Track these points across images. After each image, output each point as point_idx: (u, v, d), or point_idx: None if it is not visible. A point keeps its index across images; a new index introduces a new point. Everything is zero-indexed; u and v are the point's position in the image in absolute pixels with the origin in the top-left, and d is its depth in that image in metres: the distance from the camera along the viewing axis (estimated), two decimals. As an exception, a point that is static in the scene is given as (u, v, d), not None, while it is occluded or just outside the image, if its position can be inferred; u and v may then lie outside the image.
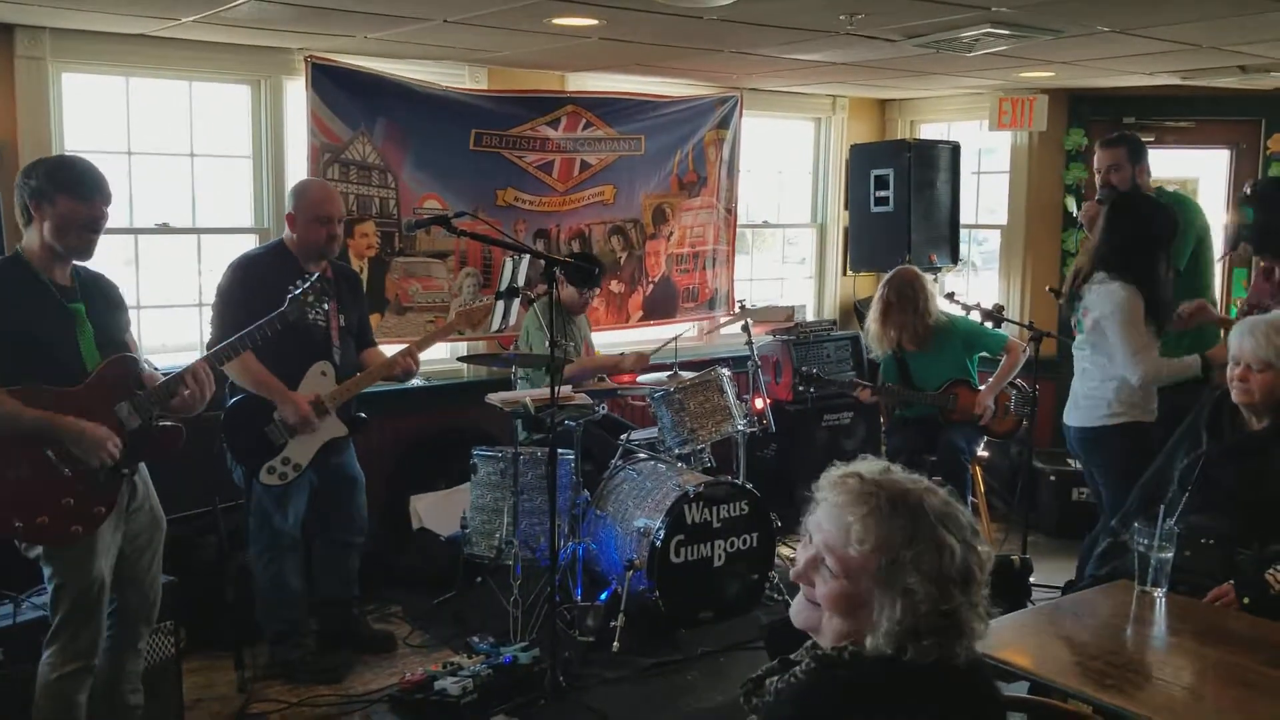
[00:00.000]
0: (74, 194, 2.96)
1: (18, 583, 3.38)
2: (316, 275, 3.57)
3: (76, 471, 2.96)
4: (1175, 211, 4.30)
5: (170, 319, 5.05)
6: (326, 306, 3.66)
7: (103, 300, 3.15)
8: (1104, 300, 4.06)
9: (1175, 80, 5.71)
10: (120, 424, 3.04)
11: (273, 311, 3.44)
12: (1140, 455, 3.90)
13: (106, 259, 3.17)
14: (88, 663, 3.06)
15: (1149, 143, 5.07)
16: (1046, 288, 5.24)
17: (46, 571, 3.03)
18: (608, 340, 6.18)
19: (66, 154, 3.11)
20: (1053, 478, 5.93)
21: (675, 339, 5.28)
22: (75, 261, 3.08)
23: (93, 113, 4.73)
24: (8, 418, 2.87)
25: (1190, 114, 6.35)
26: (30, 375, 2.92)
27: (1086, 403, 4.20)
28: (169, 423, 3.18)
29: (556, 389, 3.95)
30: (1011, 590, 4.31)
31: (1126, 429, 4.09)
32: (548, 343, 4.03)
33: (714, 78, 6.08)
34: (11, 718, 3.14)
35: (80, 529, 2.98)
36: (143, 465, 3.27)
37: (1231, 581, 2.85)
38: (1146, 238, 4.08)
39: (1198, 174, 6.57)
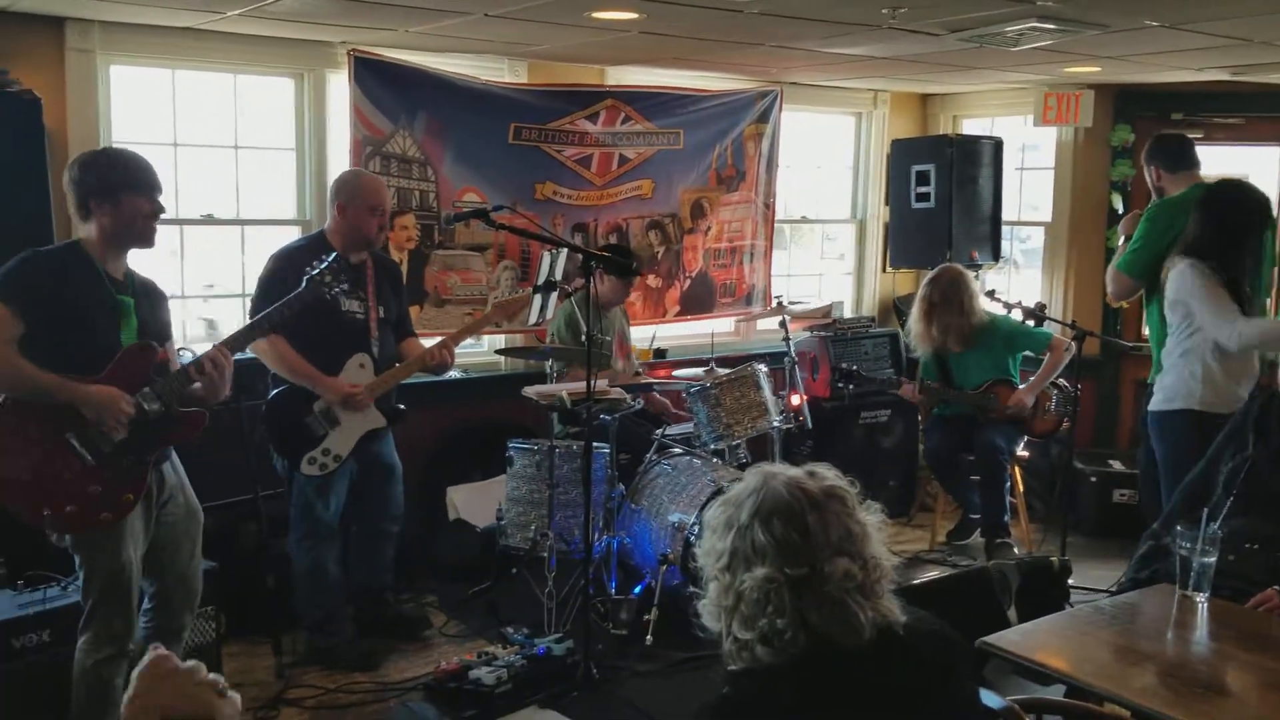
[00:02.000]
0: (136, 190, 3.05)
1: (64, 566, 3.44)
2: (334, 255, 3.54)
3: (102, 459, 3.01)
4: (1265, 201, 4.25)
5: (215, 309, 5.12)
6: (345, 286, 3.63)
7: (149, 299, 3.22)
8: (1175, 281, 4.08)
9: (1224, 76, 5.62)
10: (142, 410, 3.07)
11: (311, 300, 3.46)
12: (1191, 446, 3.86)
13: (152, 249, 3.25)
14: (122, 647, 3.11)
15: (1197, 139, 4.99)
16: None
17: (76, 559, 3.08)
18: (644, 335, 6.19)
19: (113, 148, 3.18)
20: (1093, 479, 5.85)
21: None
22: (139, 249, 3.16)
23: (140, 105, 4.80)
24: (29, 377, 2.91)
25: (1240, 110, 6.23)
26: (68, 357, 2.97)
27: (1158, 387, 4.23)
28: (191, 408, 3.21)
29: (592, 383, 3.95)
30: (1050, 592, 4.26)
31: (1189, 416, 4.06)
32: (583, 337, 4.03)
33: (754, 72, 6.06)
34: (57, 697, 3.19)
35: (109, 516, 3.02)
36: (175, 458, 3.31)
37: (1276, 588, 2.81)
38: (1226, 226, 4.09)
39: (1247, 171, 6.45)
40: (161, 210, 3.13)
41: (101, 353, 3.04)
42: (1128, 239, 4.69)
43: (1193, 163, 4.65)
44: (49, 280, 2.98)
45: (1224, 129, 6.28)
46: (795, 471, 1.64)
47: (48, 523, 3.00)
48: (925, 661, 1.57)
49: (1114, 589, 3.53)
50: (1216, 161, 6.09)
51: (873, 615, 1.54)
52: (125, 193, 3.04)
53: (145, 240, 3.13)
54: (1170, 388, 4.16)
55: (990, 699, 1.87)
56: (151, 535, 3.20)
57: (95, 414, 2.98)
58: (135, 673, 1.37)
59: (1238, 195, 4.19)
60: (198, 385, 3.17)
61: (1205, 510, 2.89)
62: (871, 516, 1.65)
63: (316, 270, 3.46)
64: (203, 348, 3.29)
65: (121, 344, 3.09)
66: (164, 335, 3.25)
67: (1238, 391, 4.05)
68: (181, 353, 3.35)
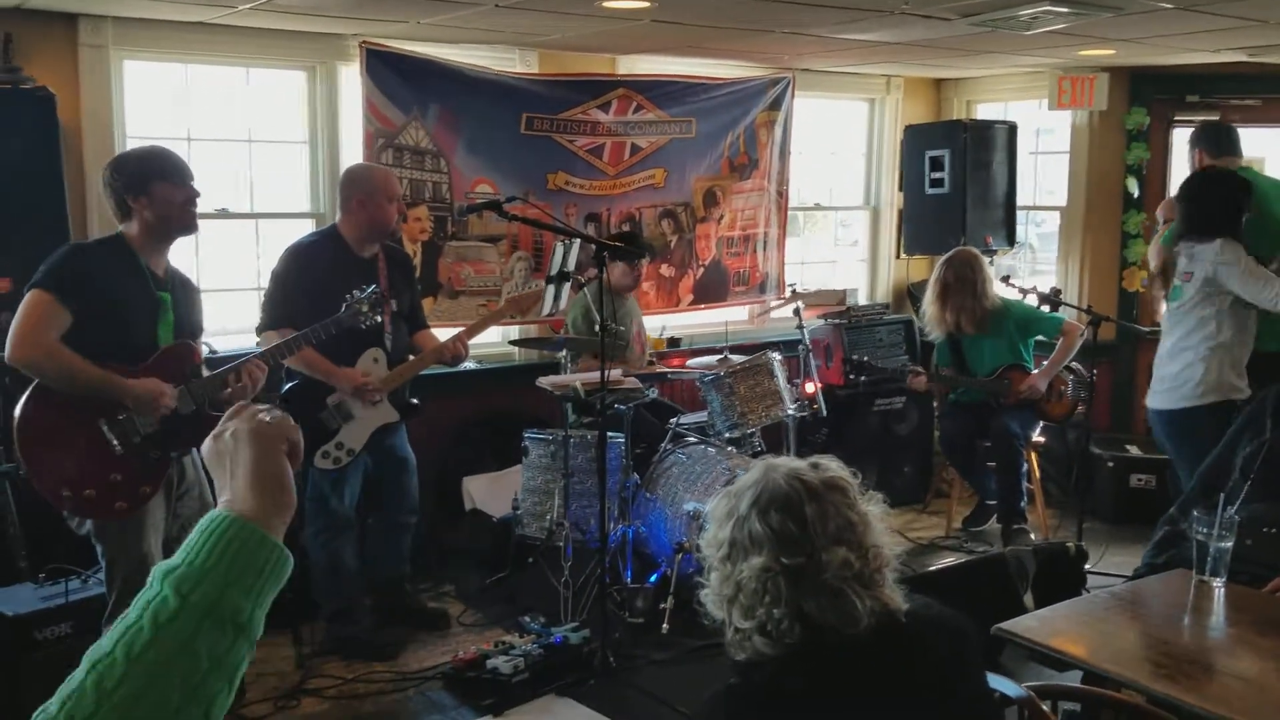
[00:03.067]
0: (165, 178, 3.13)
1: (84, 559, 3.48)
2: (374, 288, 3.67)
3: (129, 449, 3.06)
4: (1241, 184, 4.26)
5: (228, 303, 5.15)
6: (380, 318, 3.75)
7: (186, 296, 3.30)
8: (1209, 254, 4.08)
9: (1241, 57, 5.57)
10: (175, 408, 3.13)
11: (327, 298, 3.55)
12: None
13: (196, 234, 3.36)
14: None
15: (1213, 122, 4.99)
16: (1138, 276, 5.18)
17: (99, 549, 3.13)
18: (658, 324, 6.19)
19: (144, 144, 3.28)
20: (1110, 463, 5.83)
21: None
22: (183, 237, 3.25)
23: (153, 100, 4.82)
24: (78, 370, 2.98)
25: (1256, 91, 6.18)
26: (106, 347, 3.03)
27: (1175, 382, 4.16)
28: (219, 411, 3.25)
29: (606, 373, 3.96)
30: (1067, 577, 4.26)
31: (1216, 409, 4.03)
32: (597, 326, 4.04)
33: (766, 59, 6.04)
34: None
35: (124, 505, 3.07)
36: (195, 452, 3.35)
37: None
38: (1219, 211, 4.12)
39: (1264, 153, 6.39)
40: (196, 195, 3.20)
41: (139, 347, 3.11)
42: (1167, 223, 4.67)
43: (1236, 150, 4.74)
44: (95, 272, 3.06)
45: (1240, 110, 6.22)
46: (798, 463, 1.65)
47: (66, 504, 3.05)
48: (928, 649, 1.58)
49: (1132, 575, 3.52)
50: (1233, 144, 6.05)
51: (871, 604, 1.55)
52: (156, 183, 3.11)
53: (187, 227, 3.22)
54: (1204, 379, 4.10)
55: (1007, 686, 1.87)
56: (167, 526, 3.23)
57: (138, 407, 3.04)
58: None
59: (1218, 186, 4.24)
60: (229, 390, 3.23)
61: (1222, 495, 2.88)
62: (874, 507, 1.66)
63: (357, 299, 3.60)
64: (215, 341, 3.34)
65: (158, 339, 3.16)
66: (197, 331, 3.33)
67: (1243, 383, 4.08)
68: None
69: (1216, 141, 4.73)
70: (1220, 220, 4.12)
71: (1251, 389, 4.03)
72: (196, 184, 3.22)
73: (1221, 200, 4.17)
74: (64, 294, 2.99)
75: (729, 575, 1.61)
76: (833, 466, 1.67)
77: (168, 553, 3.19)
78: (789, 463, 1.66)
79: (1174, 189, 4.91)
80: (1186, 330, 4.18)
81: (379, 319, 3.76)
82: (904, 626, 1.59)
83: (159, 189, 3.11)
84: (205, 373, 3.25)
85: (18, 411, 3.01)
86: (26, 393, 3.02)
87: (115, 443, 3.04)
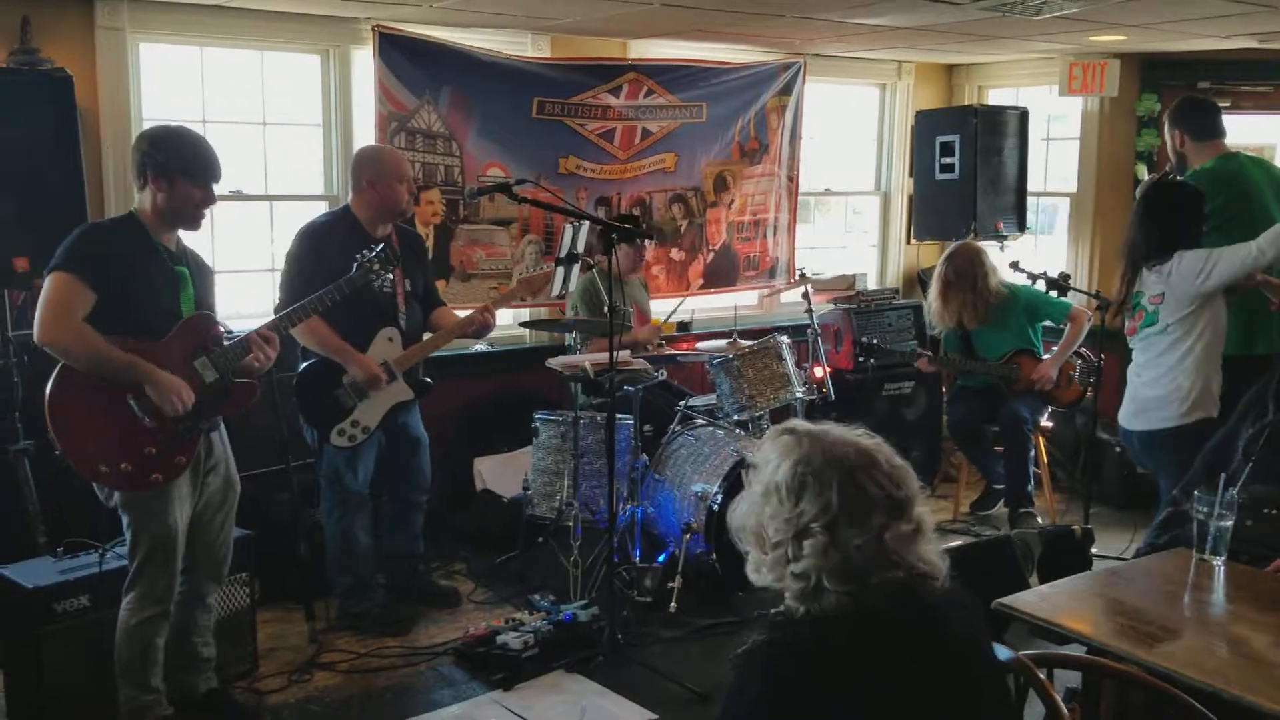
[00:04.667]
0: (193, 179, 3.18)
1: (101, 533, 3.54)
2: (382, 245, 3.71)
3: (158, 422, 3.11)
4: (1199, 194, 4.06)
5: (243, 284, 5.20)
6: (392, 275, 3.78)
7: (200, 272, 3.35)
8: (1180, 265, 3.88)
9: (1252, 43, 5.56)
10: (198, 377, 3.19)
11: (338, 278, 3.57)
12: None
13: (197, 233, 3.42)
14: (164, 608, 3.23)
15: (1224, 107, 4.94)
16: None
17: (125, 519, 3.19)
18: (668, 308, 6.22)
19: (188, 130, 3.30)
20: (1118, 449, 5.83)
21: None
22: (185, 231, 3.30)
23: (169, 82, 4.87)
24: (105, 354, 3.03)
25: (1268, 78, 6.15)
26: (130, 325, 3.09)
27: (1157, 404, 3.97)
28: (243, 379, 3.32)
29: (615, 354, 4.00)
30: (1072, 560, 4.29)
31: (1200, 426, 3.87)
32: (606, 309, 4.08)
33: (777, 44, 6.05)
34: (98, 661, 3.30)
35: (160, 477, 3.14)
36: (222, 428, 3.41)
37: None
38: (1181, 226, 3.95)
39: (1275, 140, 6.39)
40: (212, 200, 3.25)
41: (163, 319, 3.17)
42: None
43: (1219, 132, 4.56)
44: (112, 250, 3.11)
45: (1252, 97, 6.21)
46: (850, 433, 1.67)
47: (103, 478, 3.11)
48: (953, 619, 1.62)
49: (1132, 555, 3.55)
50: (1245, 130, 6.05)
51: (919, 570, 1.60)
52: (181, 177, 3.16)
53: (191, 224, 3.27)
54: (1188, 398, 3.91)
55: (1000, 651, 1.90)
56: (195, 500, 3.30)
57: (157, 396, 3.10)
58: None
59: (1177, 198, 4.05)
60: (252, 356, 3.28)
61: (1223, 476, 2.91)
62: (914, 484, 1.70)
63: (367, 258, 3.62)
64: (230, 323, 3.40)
65: (181, 311, 3.21)
66: (211, 307, 3.37)
67: (1216, 401, 3.94)
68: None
69: (1199, 124, 4.53)
70: (1177, 238, 3.92)
71: (1231, 391, 3.94)
72: (219, 187, 3.27)
73: (1178, 221, 3.96)
74: (85, 273, 3.03)
75: (830, 543, 1.59)
76: (876, 439, 1.70)
77: (192, 527, 3.27)
78: (840, 431, 1.68)
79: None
80: (1162, 351, 3.97)
81: (390, 277, 3.80)
82: (938, 598, 1.62)
83: (181, 184, 3.16)
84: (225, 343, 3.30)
85: (48, 392, 3.06)
86: (54, 373, 3.07)
87: (145, 417, 3.10)
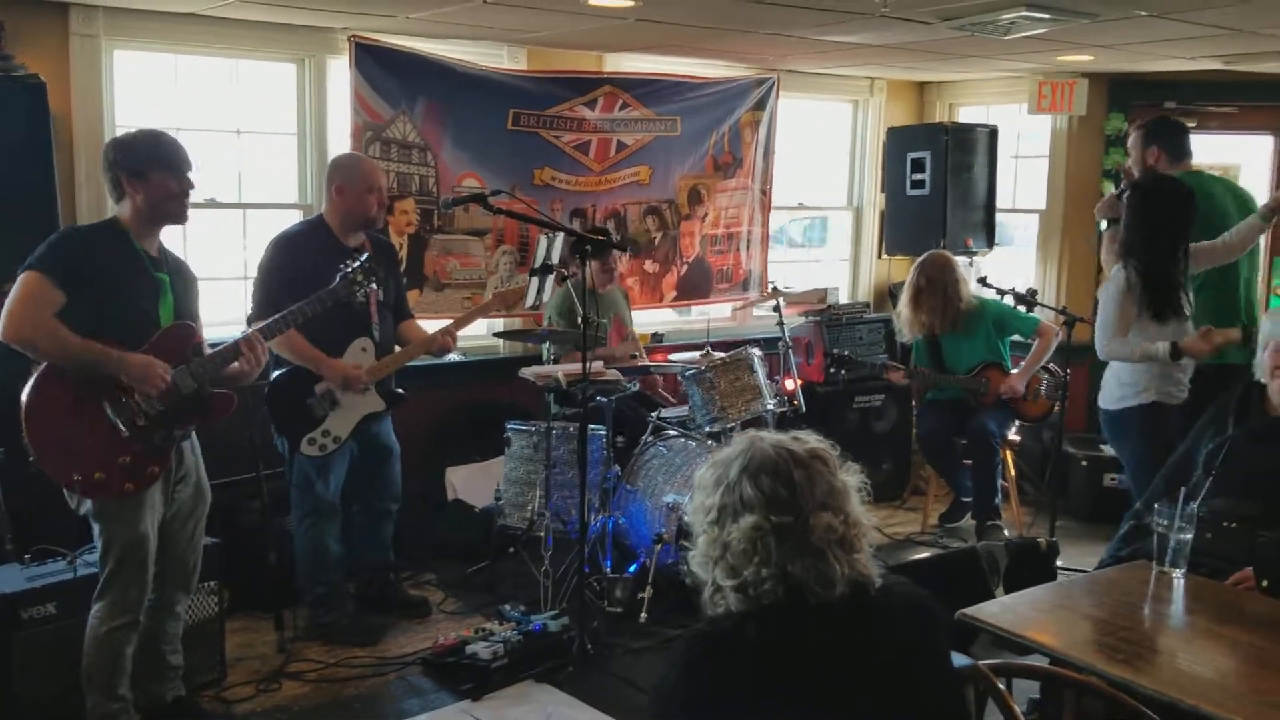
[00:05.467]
0: (166, 168, 3.17)
1: (70, 541, 3.52)
2: (366, 256, 3.72)
3: (134, 431, 3.10)
4: (1188, 195, 4.22)
5: (216, 292, 5.18)
6: (374, 285, 3.79)
7: (182, 278, 3.34)
8: (1103, 288, 4.23)
9: (1217, 65, 5.66)
10: (176, 387, 3.17)
11: (317, 286, 3.58)
12: (1157, 437, 3.97)
13: (184, 225, 3.41)
14: (135, 617, 3.21)
15: (1191, 127, 5.04)
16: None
17: (96, 528, 3.17)
18: (642, 319, 6.26)
19: (148, 129, 3.30)
20: (1084, 463, 5.93)
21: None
22: (172, 226, 3.29)
23: (143, 89, 4.86)
24: (73, 347, 3.01)
25: (1233, 99, 6.28)
26: (106, 330, 3.07)
27: (1108, 385, 4.29)
28: (222, 390, 3.32)
29: (588, 365, 4.02)
30: (1038, 572, 4.34)
31: (1143, 410, 4.15)
32: (579, 320, 4.10)
33: (751, 59, 6.11)
34: (65, 669, 3.27)
35: (133, 486, 3.12)
36: (194, 437, 3.40)
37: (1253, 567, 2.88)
38: (1150, 222, 4.12)
39: (1240, 159, 6.51)
40: (191, 187, 3.24)
41: (140, 326, 3.15)
42: (1110, 223, 4.72)
43: (1190, 153, 4.76)
44: (90, 255, 3.10)
45: (1218, 117, 6.33)
46: (780, 435, 1.74)
47: (76, 487, 3.09)
48: (895, 622, 1.66)
49: (1096, 567, 3.60)
50: (1211, 150, 6.15)
51: (849, 572, 1.64)
52: (155, 170, 3.15)
53: (177, 217, 3.26)
54: (1134, 382, 4.18)
55: (957, 659, 1.94)
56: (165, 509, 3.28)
57: (134, 380, 3.08)
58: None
59: (1160, 189, 4.23)
60: (234, 365, 3.28)
61: (1184, 490, 2.97)
62: (851, 478, 1.74)
63: (349, 269, 3.63)
64: (204, 330, 3.38)
65: (159, 319, 3.20)
66: (194, 316, 3.35)
67: (1170, 388, 4.16)
68: None
69: (1175, 144, 4.70)
70: (1125, 244, 4.17)
71: (1199, 401, 4.06)
72: (194, 176, 3.27)
73: (1166, 214, 4.16)
74: (55, 274, 3.02)
75: (717, 538, 1.68)
76: (812, 439, 1.76)
77: (162, 536, 3.26)
78: (772, 434, 1.75)
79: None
80: None
81: (374, 287, 3.81)
82: (875, 598, 1.67)
83: (156, 177, 3.15)
84: (207, 352, 3.29)
85: (24, 400, 3.05)
86: (30, 381, 3.06)
87: (120, 425, 3.09)
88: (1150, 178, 4.47)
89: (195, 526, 3.43)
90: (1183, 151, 4.72)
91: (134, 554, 3.16)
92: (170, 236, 3.37)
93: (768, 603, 1.63)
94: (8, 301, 3.02)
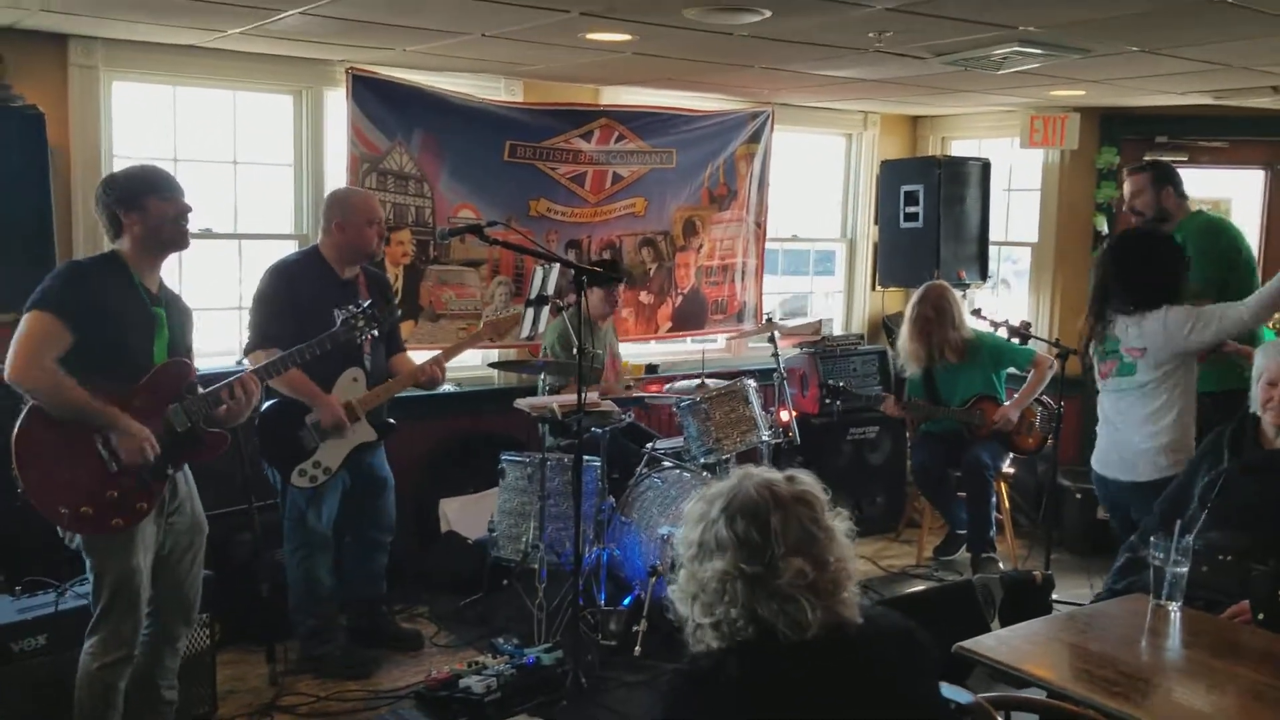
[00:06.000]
0: (160, 194, 3.17)
1: (61, 572, 3.50)
2: (369, 303, 3.73)
3: (123, 466, 3.08)
4: (1174, 243, 4.18)
5: (211, 322, 5.18)
6: (375, 332, 3.80)
7: (179, 313, 3.33)
8: (1167, 320, 3.91)
9: (1208, 100, 5.72)
10: (169, 425, 3.17)
11: (310, 316, 3.60)
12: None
13: (187, 249, 3.40)
14: (128, 652, 3.17)
15: (1181, 163, 5.10)
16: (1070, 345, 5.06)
17: (88, 562, 3.14)
18: (636, 351, 6.27)
19: (134, 164, 3.32)
20: (1078, 495, 5.92)
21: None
22: (175, 252, 3.29)
23: (141, 120, 4.88)
24: (74, 399, 3.00)
25: (1224, 133, 6.34)
26: (103, 365, 3.06)
27: (1141, 455, 3.99)
28: (215, 429, 3.30)
29: (583, 396, 4.02)
30: (1033, 605, 4.33)
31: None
32: (575, 351, 4.10)
33: (746, 93, 6.16)
34: (55, 702, 3.24)
35: (121, 522, 3.09)
36: (187, 468, 3.38)
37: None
38: (1163, 275, 4.01)
39: (1231, 194, 6.56)
40: (188, 210, 3.24)
41: (135, 363, 3.14)
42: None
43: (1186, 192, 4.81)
44: (92, 290, 3.09)
45: (1208, 152, 6.38)
46: (773, 474, 1.74)
47: (64, 521, 3.06)
48: (875, 657, 1.66)
49: (1091, 600, 3.59)
50: (1201, 185, 6.18)
51: (823, 616, 1.64)
52: (148, 197, 3.15)
53: (178, 242, 3.26)
54: (1177, 449, 3.94)
55: (960, 695, 1.93)
56: (159, 543, 3.26)
57: (122, 446, 3.07)
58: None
59: (1162, 250, 4.12)
60: (224, 407, 3.26)
61: (1179, 523, 2.97)
62: (840, 523, 1.73)
63: (353, 314, 3.66)
64: (197, 361, 3.38)
65: (154, 355, 3.18)
66: (188, 351, 3.34)
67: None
68: None
69: (1181, 186, 4.71)
70: (1165, 289, 3.98)
71: (1205, 428, 4.03)
72: (187, 200, 3.27)
73: (1164, 269, 4.02)
74: (64, 314, 3.01)
75: (694, 574, 1.69)
76: (806, 480, 1.76)
77: (160, 570, 3.23)
78: (764, 473, 1.76)
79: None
80: (1142, 403, 4.01)
81: (375, 333, 3.82)
82: (851, 639, 1.67)
83: (151, 203, 3.15)
84: (200, 390, 3.28)
85: (14, 431, 3.03)
86: (22, 413, 3.04)
87: (111, 460, 3.07)
88: (1132, 236, 4.39)
89: (194, 559, 3.41)
90: (1183, 188, 4.75)
91: (126, 589, 3.14)
92: (165, 266, 3.37)
93: (741, 639, 1.64)
94: (14, 342, 3.00)
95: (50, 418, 3.03)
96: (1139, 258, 4.07)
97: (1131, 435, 4.05)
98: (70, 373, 3.01)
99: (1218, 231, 4.69)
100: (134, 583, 3.14)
